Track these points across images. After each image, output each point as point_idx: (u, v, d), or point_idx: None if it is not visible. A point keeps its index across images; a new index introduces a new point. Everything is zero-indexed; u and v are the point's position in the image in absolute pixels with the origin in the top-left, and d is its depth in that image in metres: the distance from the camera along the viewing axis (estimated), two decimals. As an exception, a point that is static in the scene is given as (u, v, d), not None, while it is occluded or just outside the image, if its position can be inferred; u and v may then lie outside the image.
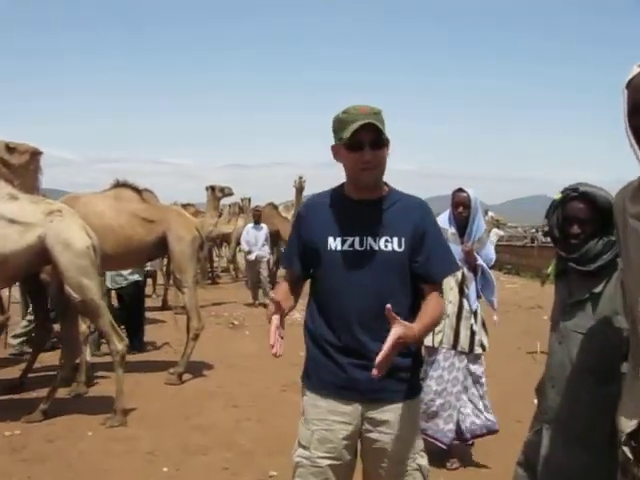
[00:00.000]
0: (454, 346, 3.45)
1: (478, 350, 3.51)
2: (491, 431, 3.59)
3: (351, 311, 1.82)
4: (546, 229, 2.16)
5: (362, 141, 1.77)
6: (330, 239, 1.85)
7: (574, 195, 1.97)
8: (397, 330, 1.63)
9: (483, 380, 3.58)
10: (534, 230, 23.14)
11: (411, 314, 1.83)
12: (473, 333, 3.48)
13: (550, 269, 2.24)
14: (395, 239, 1.83)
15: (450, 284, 3.46)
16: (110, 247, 4.77)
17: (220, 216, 13.49)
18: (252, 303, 10.28)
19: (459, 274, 3.48)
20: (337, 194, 1.95)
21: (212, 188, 9.92)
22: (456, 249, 3.46)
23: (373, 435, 1.83)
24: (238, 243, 14.29)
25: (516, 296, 11.79)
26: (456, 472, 3.51)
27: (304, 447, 1.86)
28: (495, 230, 18.55)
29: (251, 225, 10.59)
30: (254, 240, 10.30)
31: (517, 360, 6.24)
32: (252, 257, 10.32)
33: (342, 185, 1.95)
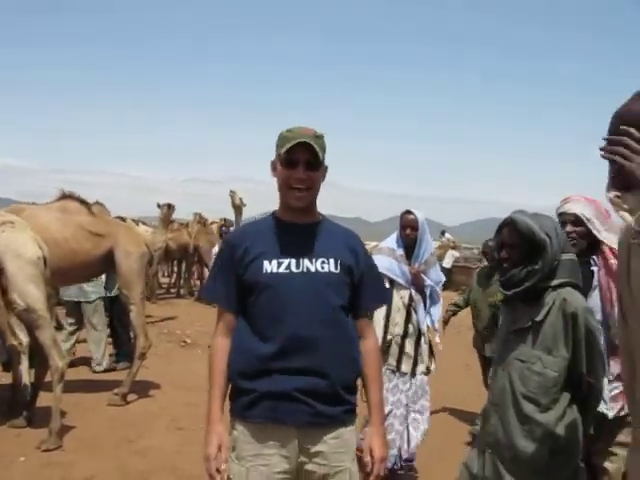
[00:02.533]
0: (398, 368, 3.44)
1: (421, 370, 3.50)
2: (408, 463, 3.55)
3: (292, 335, 1.77)
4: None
5: (297, 159, 1.80)
6: (265, 262, 1.81)
7: (508, 221, 2.03)
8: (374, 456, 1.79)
9: (425, 405, 3.55)
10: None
11: (353, 333, 1.86)
12: (418, 355, 3.48)
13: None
14: (332, 260, 1.83)
15: (398, 305, 3.47)
16: (55, 261, 4.59)
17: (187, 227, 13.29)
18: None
19: (406, 296, 3.49)
20: (269, 219, 1.94)
21: (168, 206, 9.79)
22: (404, 270, 3.49)
23: (309, 467, 1.79)
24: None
25: (468, 316, 11.95)
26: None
27: None
28: (451, 252, 18.88)
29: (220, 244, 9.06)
30: None
31: (465, 379, 6.30)
32: None
33: (273, 212, 1.96)
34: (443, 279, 3.79)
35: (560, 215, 2.38)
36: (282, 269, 1.80)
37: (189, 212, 13.95)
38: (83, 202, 5.24)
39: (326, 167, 1.89)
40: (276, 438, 1.77)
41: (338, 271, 1.83)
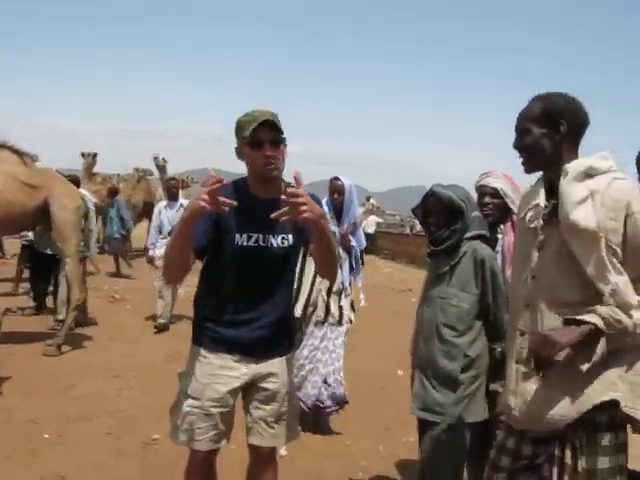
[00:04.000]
0: (325, 319, 3.82)
1: (345, 323, 3.90)
2: (340, 403, 3.92)
3: (252, 295, 2.13)
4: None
5: (263, 139, 2.01)
6: (237, 235, 2.09)
7: (430, 193, 2.47)
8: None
9: (341, 352, 3.95)
10: (412, 219, 24.74)
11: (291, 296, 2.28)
12: (341, 307, 3.89)
13: None
14: (290, 236, 2.14)
15: None
16: (-13, 212, 4.57)
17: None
18: (157, 328, 6.55)
19: None
20: (243, 191, 2.13)
21: (94, 155, 9.47)
22: (333, 230, 3.85)
23: (263, 385, 2.17)
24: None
25: (390, 279, 12.69)
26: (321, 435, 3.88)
27: (195, 398, 2.12)
28: (374, 217, 19.62)
29: (164, 203, 6.96)
30: (168, 225, 6.60)
31: (385, 338, 6.86)
32: (157, 254, 6.46)
33: (246, 181, 2.15)
34: (364, 243, 4.21)
35: (480, 187, 2.75)
36: (251, 242, 2.10)
37: (112, 166, 13.56)
38: (17, 152, 5.16)
39: (285, 140, 2.09)
40: (232, 363, 2.13)
41: (295, 244, 2.16)
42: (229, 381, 2.13)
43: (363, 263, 4.21)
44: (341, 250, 3.88)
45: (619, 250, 1.60)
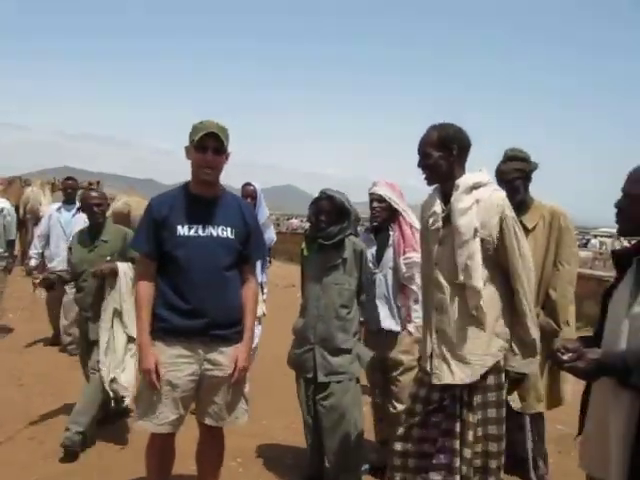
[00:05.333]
0: None
1: (261, 313, 4.33)
2: None
3: (196, 281, 2.40)
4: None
5: (207, 146, 2.38)
6: (179, 227, 2.40)
7: (323, 196, 3.02)
8: (237, 365, 2.45)
9: (257, 342, 4.38)
10: (286, 218, 25.44)
11: (237, 285, 2.53)
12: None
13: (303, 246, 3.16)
14: (229, 229, 2.47)
15: None
16: None
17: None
18: (61, 347, 5.81)
19: None
20: (184, 191, 2.49)
21: None
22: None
23: (214, 372, 2.47)
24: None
25: (273, 276, 13.06)
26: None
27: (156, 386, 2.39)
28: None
29: (57, 205, 5.94)
30: (61, 232, 5.62)
31: (283, 328, 7.19)
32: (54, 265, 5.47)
33: (187, 184, 2.51)
34: (274, 238, 4.62)
35: (370, 195, 3.33)
36: (192, 232, 2.42)
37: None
38: None
39: (229, 153, 2.48)
40: (186, 351, 2.43)
41: (233, 237, 2.47)
42: (184, 367, 2.41)
43: (271, 261, 4.61)
44: None
45: (496, 241, 2.18)
